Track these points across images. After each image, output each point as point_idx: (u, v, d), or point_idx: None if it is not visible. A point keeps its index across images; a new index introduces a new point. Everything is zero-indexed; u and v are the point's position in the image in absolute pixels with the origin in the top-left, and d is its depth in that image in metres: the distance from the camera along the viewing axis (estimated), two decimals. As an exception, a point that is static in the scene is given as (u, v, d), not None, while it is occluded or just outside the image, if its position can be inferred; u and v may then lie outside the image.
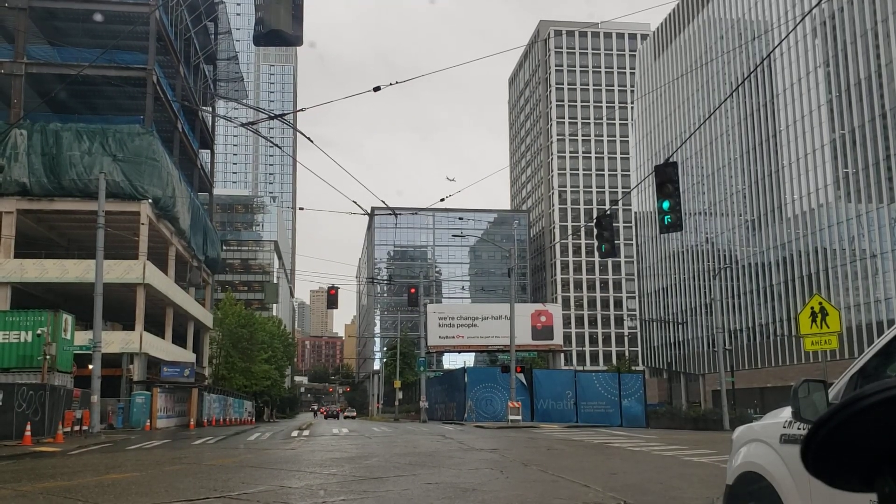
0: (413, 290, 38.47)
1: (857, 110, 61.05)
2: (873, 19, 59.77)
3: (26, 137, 38.21)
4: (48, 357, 24.49)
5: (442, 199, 35.86)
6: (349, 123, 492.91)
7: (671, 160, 14.26)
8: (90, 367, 27.60)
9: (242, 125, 19.58)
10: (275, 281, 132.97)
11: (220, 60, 59.97)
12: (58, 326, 26.00)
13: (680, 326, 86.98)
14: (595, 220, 17.20)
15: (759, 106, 74.98)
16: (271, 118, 20.27)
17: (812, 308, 17.85)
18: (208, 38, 55.53)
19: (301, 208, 47.41)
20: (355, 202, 22.16)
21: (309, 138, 18.59)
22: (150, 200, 39.22)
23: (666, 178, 13.58)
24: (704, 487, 9.97)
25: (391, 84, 15.73)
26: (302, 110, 22.16)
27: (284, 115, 33.67)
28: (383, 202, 23.33)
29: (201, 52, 53.04)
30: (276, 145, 41.92)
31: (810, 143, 66.86)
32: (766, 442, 4.58)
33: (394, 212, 24.47)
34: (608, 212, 17.55)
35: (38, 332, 25.04)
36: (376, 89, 15.55)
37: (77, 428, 25.33)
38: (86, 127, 39.28)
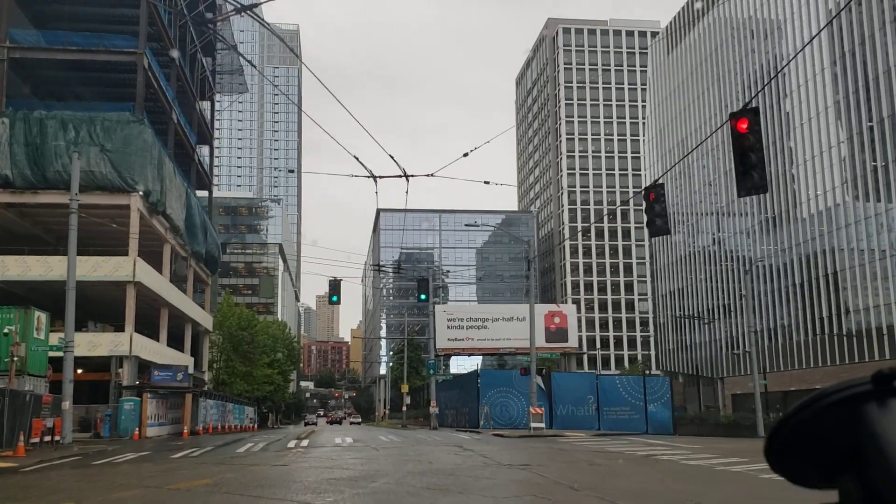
0: (422, 281, 36.06)
1: (876, 107, 58.44)
2: (889, 16, 57.34)
3: (8, 126, 35.72)
4: (16, 359, 21.80)
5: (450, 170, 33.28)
6: (353, 126, 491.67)
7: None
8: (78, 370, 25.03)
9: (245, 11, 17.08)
10: (278, 284, 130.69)
11: (219, 51, 57.62)
12: (29, 325, 23.34)
13: (697, 329, 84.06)
14: (644, 192, 14.48)
15: (772, 103, 72.22)
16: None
17: None
18: (206, 28, 53.05)
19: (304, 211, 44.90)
20: (364, 166, 19.37)
21: (321, 82, 16.00)
22: (140, 193, 36.62)
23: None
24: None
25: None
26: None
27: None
28: (394, 160, 20.06)
29: (198, 41, 50.56)
30: (280, 150, 39.35)
31: (825, 142, 64.28)
32: None
33: (406, 175, 21.36)
34: (659, 180, 14.90)
35: (5, 330, 22.32)
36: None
37: (48, 438, 22.53)
38: (72, 115, 36.70)
